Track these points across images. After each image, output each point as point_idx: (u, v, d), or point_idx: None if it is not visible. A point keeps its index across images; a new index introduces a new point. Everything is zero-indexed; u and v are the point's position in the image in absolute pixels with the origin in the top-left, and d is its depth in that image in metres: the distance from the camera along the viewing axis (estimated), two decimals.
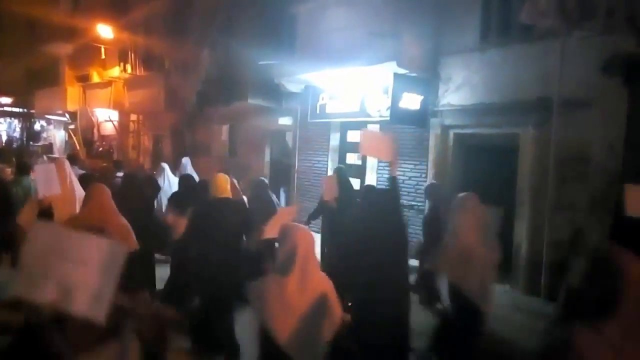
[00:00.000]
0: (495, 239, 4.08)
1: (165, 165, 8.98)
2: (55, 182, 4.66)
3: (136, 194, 5.49)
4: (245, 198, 6.33)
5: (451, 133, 8.06)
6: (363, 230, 3.99)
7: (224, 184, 4.79)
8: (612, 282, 1.71)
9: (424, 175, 8.37)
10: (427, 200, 6.90)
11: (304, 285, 2.66)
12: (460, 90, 7.83)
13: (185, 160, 9.50)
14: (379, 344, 3.66)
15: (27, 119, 25.04)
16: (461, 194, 4.40)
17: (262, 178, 7.40)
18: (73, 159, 8.99)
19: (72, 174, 5.50)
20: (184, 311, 4.84)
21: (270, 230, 3.69)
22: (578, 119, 6.23)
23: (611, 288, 1.71)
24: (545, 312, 6.12)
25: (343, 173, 7.07)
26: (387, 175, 8.96)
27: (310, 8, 9.44)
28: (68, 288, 1.81)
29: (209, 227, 4.55)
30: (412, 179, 8.55)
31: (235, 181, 6.00)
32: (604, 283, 1.74)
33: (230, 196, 4.88)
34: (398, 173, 8.79)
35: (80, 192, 5.31)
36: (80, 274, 1.82)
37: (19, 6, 19.61)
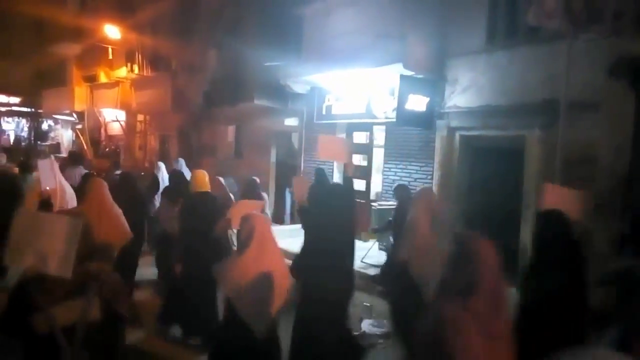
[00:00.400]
0: (448, 230, 4.42)
1: (162, 164, 9.49)
2: (55, 177, 5.24)
3: (130, 191, 6.05)
4: (232, 196, 6.78)
5: (457, 135, 8.05)
6: (317, 226, 4.33)
7: (203, 179, 5.37)
8: (470, 266, 2.04)
9: (430, 177, 8.37)
10: (395, 201, 7.06)
11: (260, 260, 3.09)
12: (466, 92, 7.82)
13: (180, 160, 10.15)
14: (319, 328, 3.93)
15: (35, 119, 25.24)
16: (419, 189, 4.68)
17: (254, 177, 7.55)
18: (77, 157, 9.38)
19: (59, 173, 5.92)
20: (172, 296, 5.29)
21: (236, 220, 3.93)
22: (585, 121, 6.20)
23: (470, 271, 2.03)
24: None
25: (319, 174, 7.12)
26: (393, 177, 9.02)
27: (316, 9, 9.46)
28: (43, 254, 2.43)
29: (187, 217, 5.09)
30: (418, 180, 8.55)
31: (222, 180, 6.37)
32: (465, 267, 2.06)
33: (209, 190, 5.43)
34: (404, 175, 8.90)
35: (69, 190, 5.83)
36: (51, 244, 2.44)
37: (27, 7, 19.75)
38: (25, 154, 16.73)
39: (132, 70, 17.15)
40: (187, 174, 8.17)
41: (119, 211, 4.82)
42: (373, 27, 8.00)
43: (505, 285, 2.09)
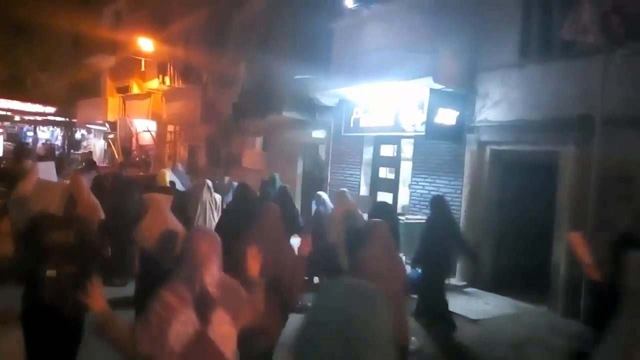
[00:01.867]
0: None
1: (167, 170, 9.85)
2: (53, 174, 6.73)
3: (123, 189, 7.74)
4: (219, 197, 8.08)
5: (488, 149, 7.95)
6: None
7: (163, 177, 7.69)
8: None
9: (458, 191, 8.28)
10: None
11: (156, 220, 4.86)
12: (498, 106, 7.74)
13: (178, 165, 11.48)
14: None
15: (69, 128, 25.97)
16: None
17: (244, 182, 7.72)
18: (91, 164, 11.34)
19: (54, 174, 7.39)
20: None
21: None
22: (621, 137, 6.06)
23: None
24: (585, 336, 5.93)
25: (272, 180, 8.48)
26: (421, 191, 8.95)
27: (346, 24, 9.54)
28: (49, 202, 4.48)
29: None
30: (447, 194, 8.43)
31: (209, 182, 7.89)
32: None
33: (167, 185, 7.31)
34: (432, 189, 8.83)
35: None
36: (50, 197, 4.66)
37: (65, 21, 20.47)
38: (60, 162, 17.20)
39: (163, 82, 17.53)
40: (183, 177, 10.17)
41: (94, 199, 5.99)
42: (403, 41, 8.00)
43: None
